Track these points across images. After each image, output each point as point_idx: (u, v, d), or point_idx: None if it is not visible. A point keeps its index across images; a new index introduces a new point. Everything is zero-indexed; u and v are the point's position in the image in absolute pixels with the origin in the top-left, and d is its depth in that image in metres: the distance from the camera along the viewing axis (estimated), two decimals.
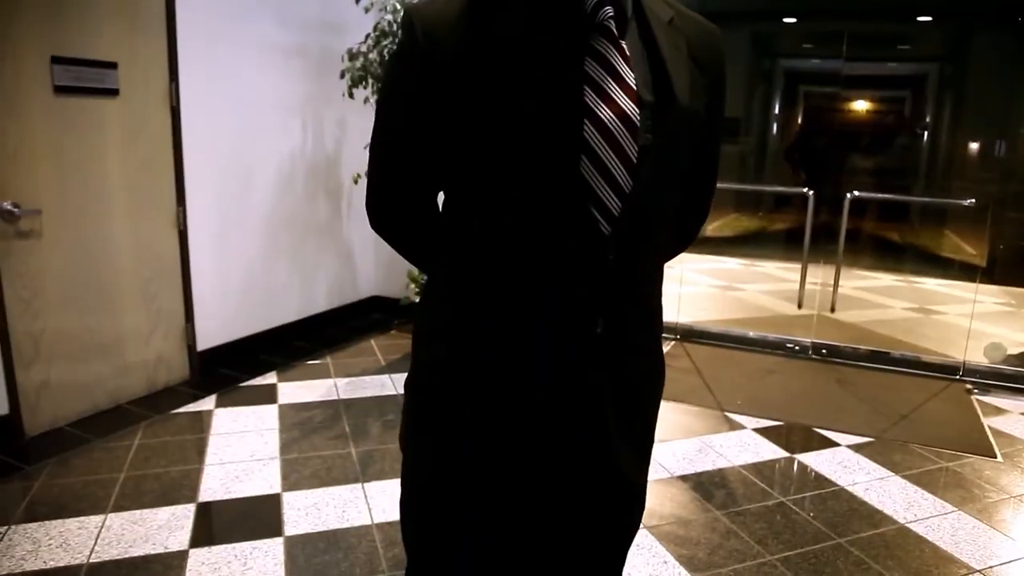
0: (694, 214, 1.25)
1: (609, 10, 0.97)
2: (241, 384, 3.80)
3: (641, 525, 2.53)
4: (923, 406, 3.85)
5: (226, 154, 3.88)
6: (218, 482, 2.79)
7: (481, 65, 0.95)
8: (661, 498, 2.77)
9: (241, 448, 3.08)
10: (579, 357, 1.02)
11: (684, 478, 2.95)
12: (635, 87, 0.97)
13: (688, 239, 1.29)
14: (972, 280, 6.86)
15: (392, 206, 1.10)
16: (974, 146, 8.11)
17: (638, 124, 0.96)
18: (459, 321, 1.05)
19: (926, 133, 9.71)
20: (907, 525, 2.65)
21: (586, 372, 1.03)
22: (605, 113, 0.94)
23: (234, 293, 4.05)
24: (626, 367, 1.07)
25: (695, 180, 1.16)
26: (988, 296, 6.38)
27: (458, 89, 0.95)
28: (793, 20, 8.45)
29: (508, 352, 1.02)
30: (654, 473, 2.94)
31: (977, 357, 4.37)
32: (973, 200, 5.20)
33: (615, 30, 0.98)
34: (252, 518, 2.56)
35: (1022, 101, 6.95)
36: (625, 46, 0.98)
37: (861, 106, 10.27)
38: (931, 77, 9.64)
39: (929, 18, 8.00)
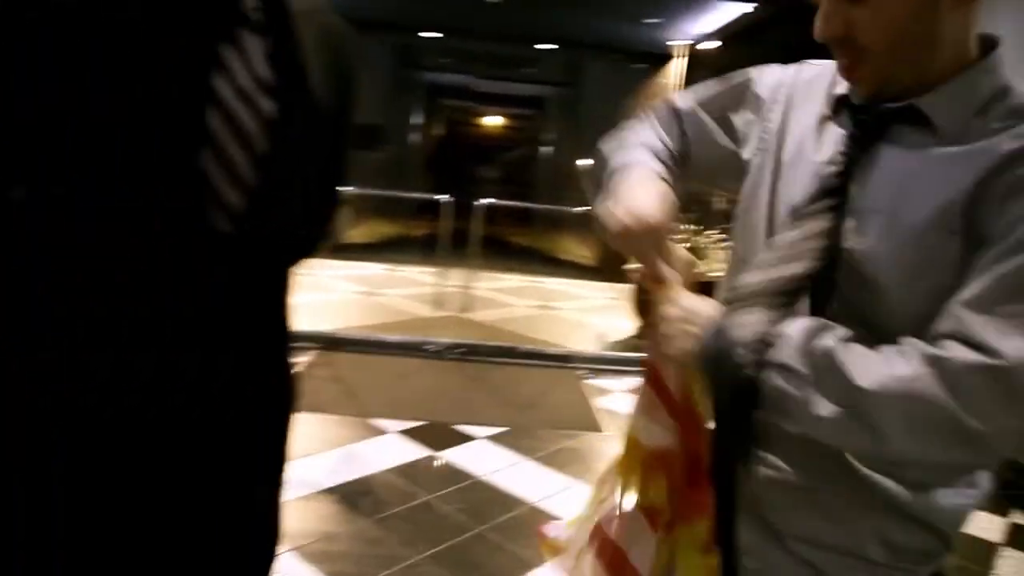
0: (321, 218, 1.17)
1: None
2: None
3: (287, 547, 2.39)
4: (546, 394, 4.25)
5: None
6: None
7: (92, 35, 0.79)
8: (306, 515, 2.64)
9: None
10: (205, 384, 0.89)
11: (330, 491, 2.85)
12: (269, 78, 0.89)
13: (316, 245, 1.21)
14: (585, 279, 7.85)
15: None
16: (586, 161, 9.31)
17: (271, 118, 0.88)
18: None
19: (547, 148, 10.93)
20: (537, 504, 2.87)
21: (215, 401, 0.90)
22: (234, 102, 0.85)
23: None
24: (259, 389, 0.97)
25: (324, 182, 1.09)
26: (598, 292, 7.32)
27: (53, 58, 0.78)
28: (432, 35, 8.86)
29: (102, 385, 0.84)
30: (297, 490, 2.80)
31: (587, 346, 4.97)
32: (586, 207, 5.93)
33: (257, 16, 0.89)
34: None
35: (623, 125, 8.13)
36: (259, 36, 0.89)
37: (493, 121, 11.17)
38: (551, 98, 10.88)
39: (549, 46, 8.97)
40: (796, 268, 0.86)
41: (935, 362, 0.72)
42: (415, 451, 3.30)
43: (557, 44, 8.66)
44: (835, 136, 0.90)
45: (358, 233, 9.08)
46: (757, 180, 0.98)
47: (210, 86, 0.84)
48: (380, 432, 3.48)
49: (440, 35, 8.70)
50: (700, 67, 7.52)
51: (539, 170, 10.98)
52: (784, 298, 0.85)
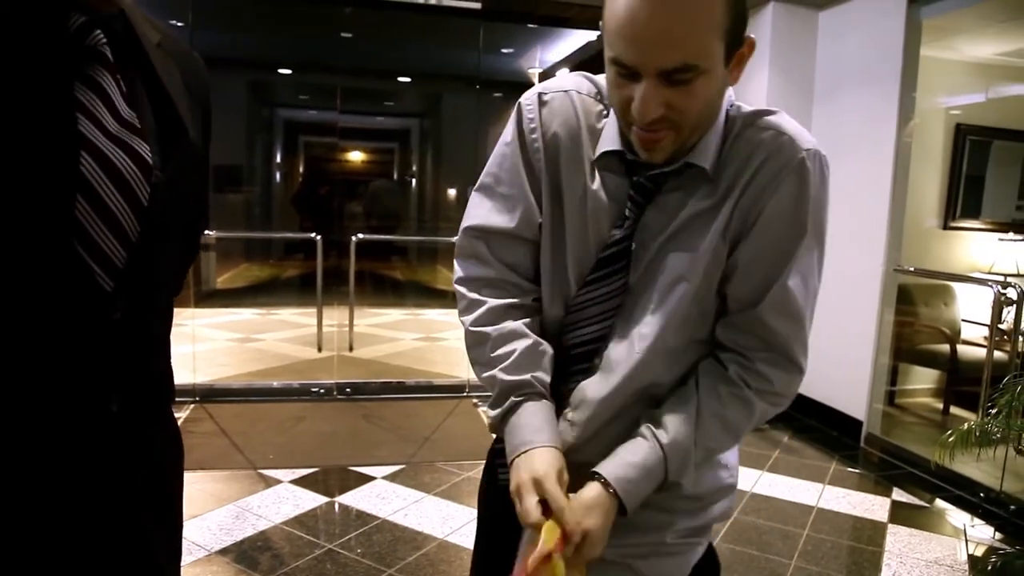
0: (186, 261, 1.12)
1: (100, 34, 0.82)
2: None
3: None
4: (441, 425, 4.19)
5: None
6: None
7: None
8: None
9: None
10: (94, 442, 0.83)
11: (224, 551, 2.66)
12: (136, 119, 0.84)
13: (179, 290, 1.15)
14: None
15: None
16: (452, 192, 9.35)
17: (150, 161, 0.82)
18: None
19: (414, 180, 10.91)
20: (446, 539, 2.81)
21: (106, 459, 0.84)
22: (108, 146, 0.79)
23: None
24: (148, 445, 0.92)
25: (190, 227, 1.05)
26: None
27: None
28: (289, 72, 8.67)
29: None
30: (189, 555, 2.60)
31: None
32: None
33: (110, 55, 0.83)
34: None
35: (484, 154, 8.25)
36: (112, 72, 0.84)
37: (357, 156, 11.04)
38: (414, 131, 10.89)
39: (408, 79, 8.98)
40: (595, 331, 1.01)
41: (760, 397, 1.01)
42: (312, 499, 3.15)
43: (414, 77, 8.72)
44: (613, 191, 0.99)
45: (227, 278, 8.69)
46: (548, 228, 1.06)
47: (75, 128, 0.78)
48: (272, 483, 3.30)
49: (296, 71, 8.55)
50: None
51: (407, 202, 10.97)
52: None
